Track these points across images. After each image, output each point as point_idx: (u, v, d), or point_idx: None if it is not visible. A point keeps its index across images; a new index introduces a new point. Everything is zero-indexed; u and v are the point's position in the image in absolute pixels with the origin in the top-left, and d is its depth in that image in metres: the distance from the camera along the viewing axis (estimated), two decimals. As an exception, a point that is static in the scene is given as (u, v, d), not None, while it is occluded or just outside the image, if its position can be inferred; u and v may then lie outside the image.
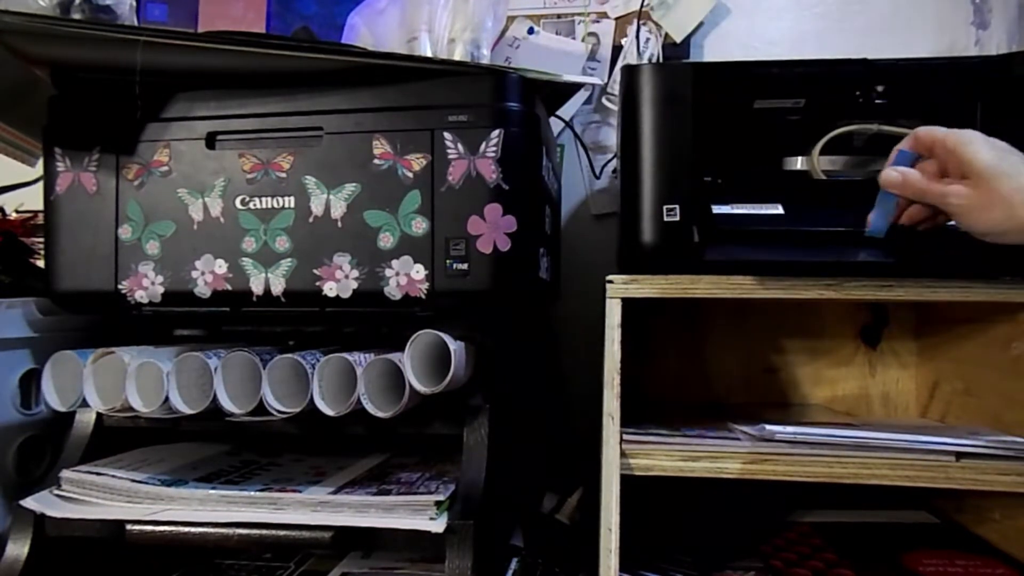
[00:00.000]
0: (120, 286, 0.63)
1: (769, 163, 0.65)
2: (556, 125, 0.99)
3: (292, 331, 0.69)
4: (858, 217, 0.57)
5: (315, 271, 0.60)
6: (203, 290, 0.62)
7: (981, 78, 0.62)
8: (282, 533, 0.52)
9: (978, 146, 0.50)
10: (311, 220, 0.60)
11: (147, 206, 0.63)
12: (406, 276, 0.59)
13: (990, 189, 0.49)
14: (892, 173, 0.55)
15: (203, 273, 0.62)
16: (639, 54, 0.99)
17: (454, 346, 0.55)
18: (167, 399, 0.57)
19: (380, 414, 0.55)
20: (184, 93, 0.63)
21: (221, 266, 0.61)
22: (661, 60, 0.99)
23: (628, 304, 0.60)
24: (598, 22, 1.02)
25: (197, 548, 0.56)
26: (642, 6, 0.99)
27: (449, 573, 0.51)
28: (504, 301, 0.60)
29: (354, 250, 0.59)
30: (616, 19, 1.01)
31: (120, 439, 0.65)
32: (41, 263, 0.74)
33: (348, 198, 0.60)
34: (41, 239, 0.77)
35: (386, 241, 0.59)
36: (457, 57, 0.82)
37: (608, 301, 0.60)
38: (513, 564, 0.65)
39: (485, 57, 0.85)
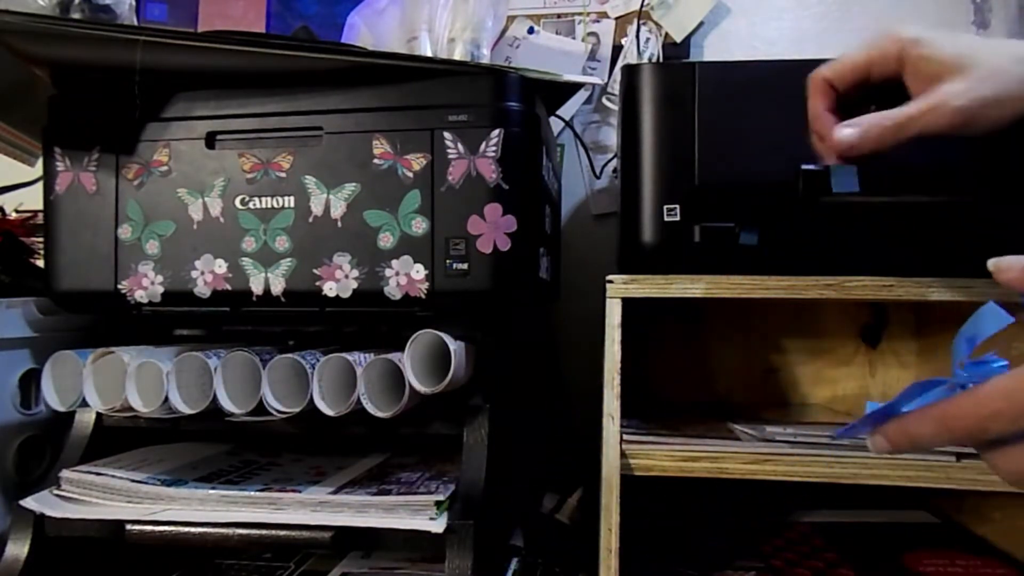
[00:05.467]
0: (120, 286, 0.63)
1: (771, 161, 0.65)
2: (556, 125, 0.99)
3: (292, 331, 0.69)
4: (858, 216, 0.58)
5: (315, 271, 0.60)
6: (203, 290, 0.62)
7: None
8: (282, 533, 0.52)
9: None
10: (311, 220, 0.60)
11: (147, 206, 0.63)
12: (406, 276, 0.59)
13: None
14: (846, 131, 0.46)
15: (203, 273, 0.62)
16: (639, 54, 0.99)
17: (454, 346, 0.55)
18: (167, 399, 0.57)
19: (380, 414, 0.55)
20: (184, 93, 0.63)
21: (221, 266, 0.61)
22: (661, 60, 0.99)
23: (628, 304, 0.60)
24: (598, 22, 1.02)
25: (197, 548, 0.56)
26: (642, 6, 0.99)
27: (449, 573, 0.51)
28: (504, 301, 0.60)
29: (354, 250, 0.59)
30: (616, 19, 1.01)
31: (120, 439, 0.65)
32: (41, 263, 0.74)
33: (348, 198, 0.60)
34: (41, 239, 0.77)
35: (386, 241, 0.59)
36: (457, 57, 0.82)
37: (608, 301, 0.60)
38: (513, 564, 0.65)
39: (485, 57, 0.85)
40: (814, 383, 0.91)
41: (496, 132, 0.58)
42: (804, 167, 0.58)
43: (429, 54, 0.81)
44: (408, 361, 0.55)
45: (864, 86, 0.48)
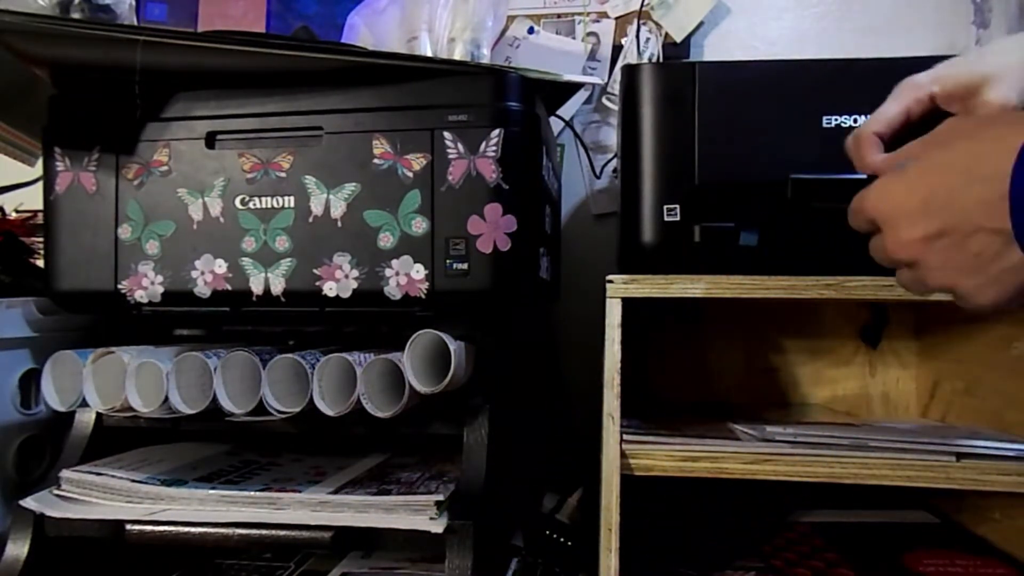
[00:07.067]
0: (120, 286, 0.63)
1: (771, 161, 0.65)
2: (556, 125, 0.99)
3: (292, 331, 0.69)
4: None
5: (315, 271, 0.60)
6: (203, 290, 0.62)
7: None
8: (282, 533, 0.52)
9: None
10: (311, 220, 0.60)
11: (147, 206, 0.63)
12: (406, 276, 0.59)
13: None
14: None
15: (203, 273, 0.62)
16: (639, 54, 0.99)
17: (454, 346, 0.55)
18: (167, 399, 0.57)
19: (380, 414, 0.55)
20: (184, 93, 0.63)
21: (221, 266, 0.61)
22: (661, 60, 0.99)
23: (628, 304, 0.60)
24: (598, 22, 1.02)
25: (197, 548, 0.56)
26: (642, 6, 0.99)
27: (449, 573, 0.51)
28: (504, 301, 0.60)
29: (354, 250, 0.59)
30: (616, 19, 1.01)
31: (120, 439, 0.65)
32: (41, 263, 0.74)
33: (348, 198, 0.60)
34: (41, 239, 0.77)
35: (386, 241, 0.59)
36: (457, 57, 0.82)
37: (608, 301, 0.60)
38: (513, 564, 0.65)
39: (485, 57, 0.85)
40: (814, 383, 0.91)
41: (496, 132, 0.58)
42: (793, 176, 0.58)
43: (429, 54, 0.81)
44: (408, 361, 0.55)
45: (904, 130, 0.52)
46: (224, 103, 0.62)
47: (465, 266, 0.58)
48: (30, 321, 0.68)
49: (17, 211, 0.87)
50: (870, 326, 0.90)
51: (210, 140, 0.62)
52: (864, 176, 0.52)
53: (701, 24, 0.99)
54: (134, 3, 0.76)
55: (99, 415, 0.63)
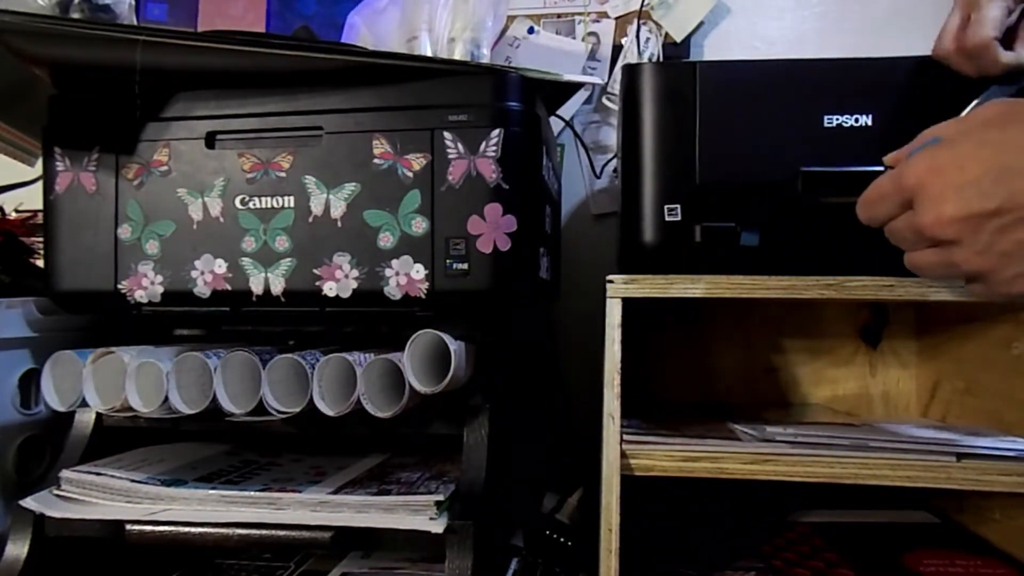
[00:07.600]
0: (120, 286, 0.63)
1: (772, 161, 0.65)
2: (556, 125, 0.99)
3: (292, 331, 0.69)
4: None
5: (315, 271, 0.60)
6: (203, 290, 0.62)
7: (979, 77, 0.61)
8: (282, 533, 0.52)
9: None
10: (311, 220, 0.60)
11: (147, 206, 0.63)
12: (406, 276, 0.59)
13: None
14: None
15: (203, 273, 0.62)
16: (639, 54, 0.99)
17: (454, 346, 0.55)
18: (167, 399, 0.57)
19: (380, 414, 0.55)
20: (184, 93, 0.63)
21: (221, 266, 0.61)
22: (661, 60, 0.99)
23: (628, 304, 0.60)
24: (598, 22, 1.02)
25: (197, 548, 0.56)
26: (642, 6, 0.99)
27: (449, 573, 0.51)
28: (504, 301, 0.60)
29: (354, 250, 0.59)
30: (616, 19, 1.01)
31: (120, 439, 0.65)
32: (41, 263, 0.74)
33: (348, 198, 0.60)
34: (41, 239, 0.77)
35: (386, 241, 0.59)
36: (457, 56, 0.82)
37: (608, 301, 0.60)
38: (513, 564, 0.65)
39: (485, 57, 0.85)
40: (814, 383, 0.91)
41: (496, 132, 0.58)
42: (804, 169, 0.58)
43: (429, 54, 0.81)
44: (408, 361, 0.55)
45: None
46: (224, 103, 0.62)
47: (465, 266, 0.58)
48: (30, 321, 0.68)
49: (17, 211, 0.87)
50: (870, 326, 0.90)
51: (210, 140, 0.62)
52: (880, 168, 0.51)
53: (701, 24, 0.98)
54: (134, 3, 0.76)
55: (99, 415, 0.63)
